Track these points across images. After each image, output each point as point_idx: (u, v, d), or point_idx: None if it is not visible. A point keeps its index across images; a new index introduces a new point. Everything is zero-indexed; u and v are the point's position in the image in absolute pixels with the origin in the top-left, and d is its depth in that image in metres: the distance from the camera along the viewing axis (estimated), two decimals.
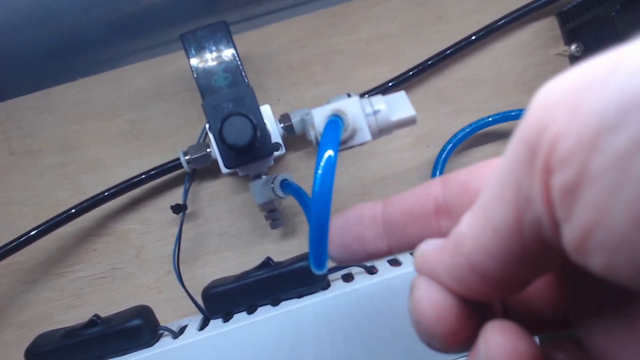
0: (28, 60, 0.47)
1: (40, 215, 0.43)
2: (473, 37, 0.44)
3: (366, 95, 0.43)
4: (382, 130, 0.26)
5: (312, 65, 0.46)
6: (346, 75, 0.46)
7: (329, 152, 0.20)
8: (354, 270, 0.38)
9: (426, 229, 0.18)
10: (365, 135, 0.25)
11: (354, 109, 0.25)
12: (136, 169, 0.42)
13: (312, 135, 0.26)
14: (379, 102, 0.26)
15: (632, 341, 0.12)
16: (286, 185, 0.37)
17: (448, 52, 0.44)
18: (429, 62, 0.44)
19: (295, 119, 0.40)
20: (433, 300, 0.15)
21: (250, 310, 0.36)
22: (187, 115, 0.45)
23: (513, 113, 0.43)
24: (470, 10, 0.46)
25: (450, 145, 0.42)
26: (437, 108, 0.46)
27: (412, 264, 0.16)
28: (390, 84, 0.43)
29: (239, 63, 0.37)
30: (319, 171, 0.20)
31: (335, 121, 0.23)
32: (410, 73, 0.43)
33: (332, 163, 0.20)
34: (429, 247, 0.16)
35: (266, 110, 0.39)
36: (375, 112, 0.26)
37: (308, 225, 0.30)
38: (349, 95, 0.42)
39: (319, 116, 0.24)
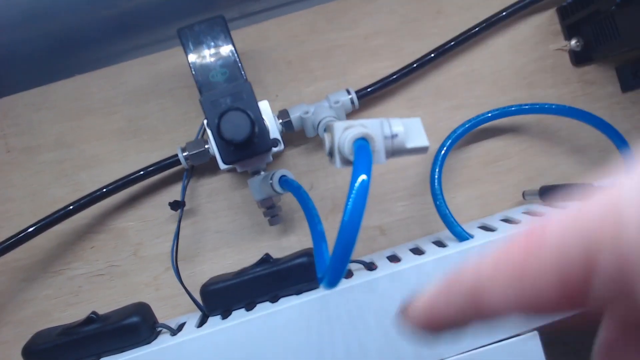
0: (25, 56, 0.46)
1: (37, 212, 0.42)
2: (472, 32, 0.44)
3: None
4: (395, 154, 0.26)
5: (311, 60, 0.45)
6: (345, 71, 0.45)
7: (363, 177, 0.21)
8: (353, 266, 0.38)
9: None
10: (381, 158, 0.26)
11: (375, 131, 0.25)
12: (134, 166, 0.42)
13: (327, 145, 0.26)
14: (397, 125, 0.26)
15: None
16: (285, 183, 0.37)
17: (447, 47, 0.44)
18: (428, 57, 0.43)
19: (293, 115, 0.40)
20: None
21: (249, 307, 0.36)
22: (185, 112, 0.45)
23: (513, 108, 0.43)
24: (470, 5, 0.46)
25: (450, 140, 0.42)
26: (436, 103, 0.45)
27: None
28: (389, 79, 0.43)
29: (237, 58, 0.37)
30: (353, 194, 0.21)
31: (366, 147, 0.24)
32: (410, 68, 0.43)
33: (365, 187, 0.21)
34: None
35: (264, 106, 0.39)
36: (393, 136, 0.26)
37: (310, 230, 0.30)
38: (348, 92, 0.41)
39: (344, 133, 0.25)
